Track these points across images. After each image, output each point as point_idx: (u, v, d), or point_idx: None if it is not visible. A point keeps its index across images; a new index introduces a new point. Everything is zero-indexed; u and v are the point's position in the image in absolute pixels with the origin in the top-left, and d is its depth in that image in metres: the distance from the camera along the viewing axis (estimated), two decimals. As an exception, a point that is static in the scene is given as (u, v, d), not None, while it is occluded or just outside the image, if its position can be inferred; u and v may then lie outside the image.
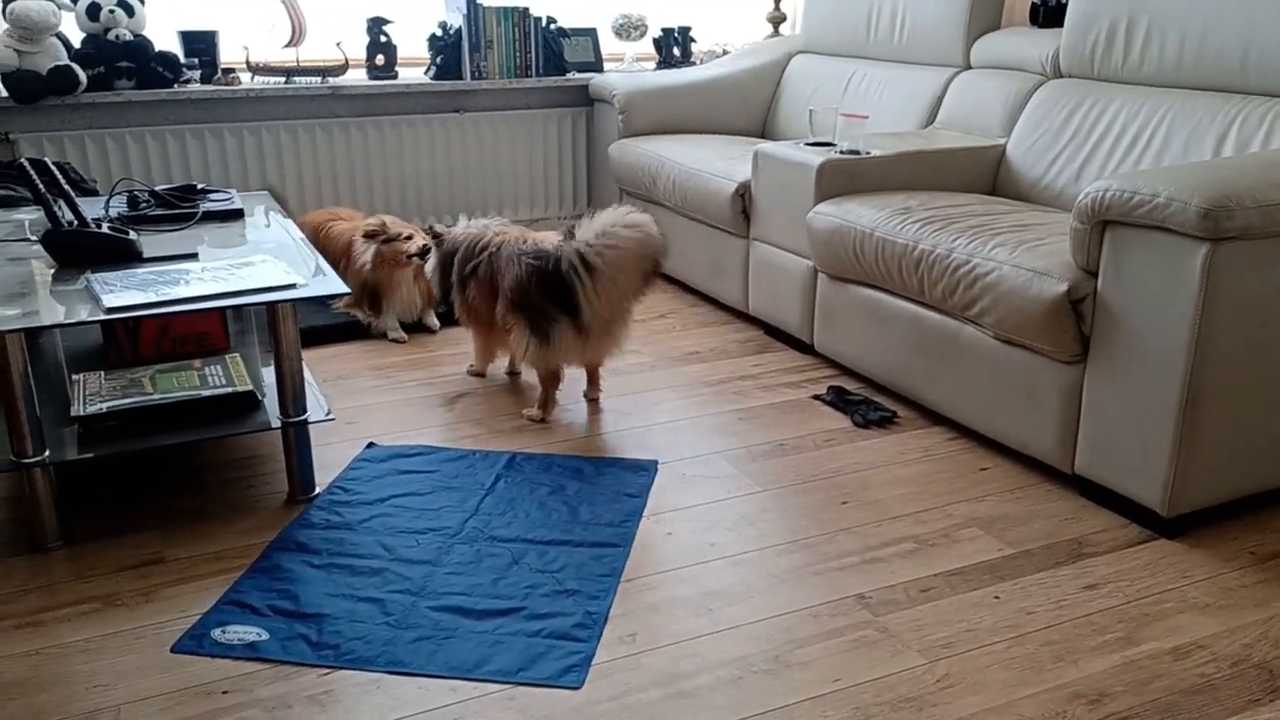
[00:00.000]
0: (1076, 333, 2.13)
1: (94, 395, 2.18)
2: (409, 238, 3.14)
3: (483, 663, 1.66)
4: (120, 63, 3.54)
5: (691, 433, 2.54)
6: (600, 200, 4.27)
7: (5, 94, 3.40)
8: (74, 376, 2.30)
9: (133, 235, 2.25)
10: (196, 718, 1.55)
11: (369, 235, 3.16)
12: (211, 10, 3.92)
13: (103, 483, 2.28)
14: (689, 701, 1.59)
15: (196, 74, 3.74)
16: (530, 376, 2.83)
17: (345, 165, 3.94)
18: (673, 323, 3.40)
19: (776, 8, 4.51)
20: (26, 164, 2.22)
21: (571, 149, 4.33)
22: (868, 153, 2.90)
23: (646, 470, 2.34)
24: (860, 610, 1.82)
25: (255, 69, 3.84)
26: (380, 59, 3.98)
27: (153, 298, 1.95)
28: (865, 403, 2.69)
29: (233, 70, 3.79)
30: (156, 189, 2.70)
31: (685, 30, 4.54)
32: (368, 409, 2.67)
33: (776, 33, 4.53)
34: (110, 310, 1.90)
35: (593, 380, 2.74)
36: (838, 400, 2.71)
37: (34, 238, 2.40)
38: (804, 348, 3.09)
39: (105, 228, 2.24)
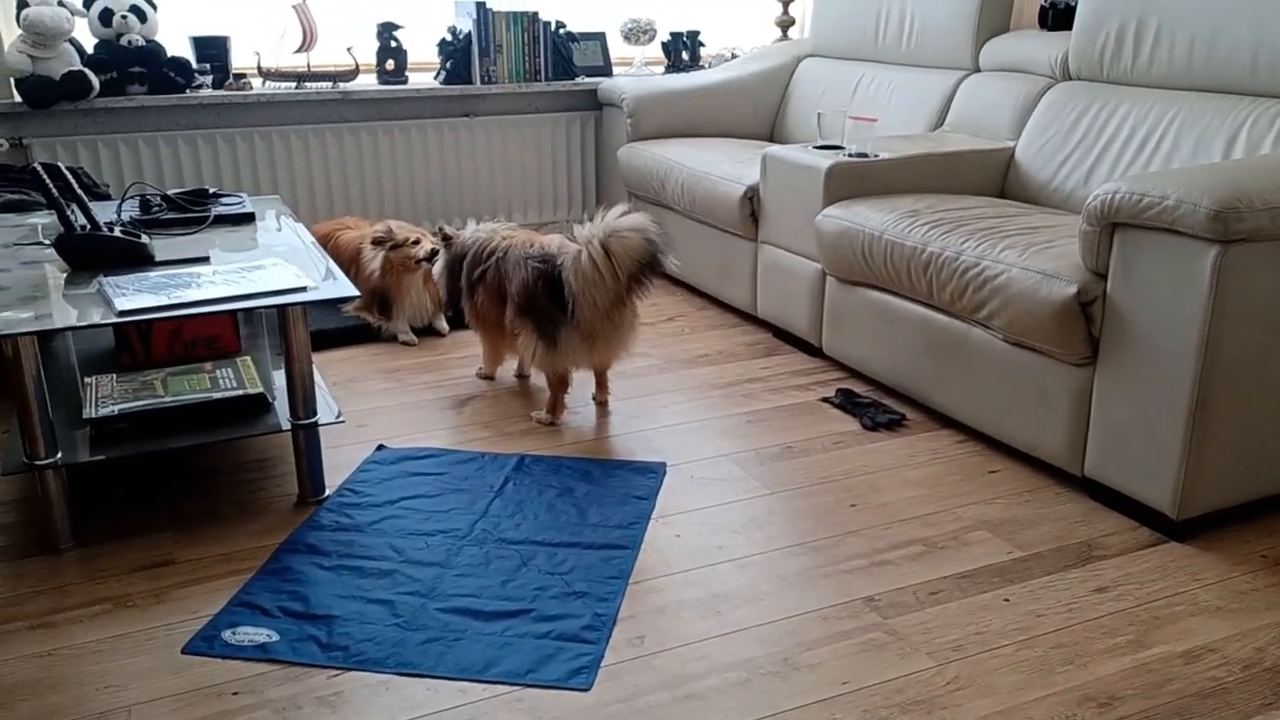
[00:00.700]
0: (1086, 335, 2.12)
1: (106, 398, 2.19)
2: (416, 242, 3.15)
3: (492, 664, 1.67)
4: (133, 68, 3.57)
5: (700, 435, 2.55)
6: (609, 204, 4.26)
7: (19, 99, 3.42)
8: (86, 379, 2.32)
9: (145, 239, 2.26)
10: (207, 719, 1.56)
11: (377, 242, 3.18)
12: (223, 16, 3.94)
13: (114, 485, 2.29)
14: (698, 704, 1.59)
15: (208, 79, 3.76)
16: (539, 379, 2.83)
17: (356, 169, 3.96)
18: (681, 325, 3.40)
19: (785, 11, 4.51)
20: (40, 168, 2.23)
21: (580, 153, 4.34)
22: (876, 156, 2.90)
23: (655, 473, 2.34)
24: (869, 613, 1.82)
25: (266, 74, 3.86)
26: (390, 64, 3.99)
27: (164, 301, 1.96)
28: (874, 405, 2.68)
29: (244, 75, 3.81)
30: (168, 193, 2.71)
31: (694, 34, 4.55)
32: (377, 412, 2.68)
33: (785, 36, 4.53)
34: (122, 313, 1.92)
35: (601, 383, 2.75)
36: (846, 403, 2.71)
37: (47, 242, 2.41)
38: (812, 350, 3.09)
39: (117, 231, 2.25)
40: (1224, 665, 1.68)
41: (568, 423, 2.63)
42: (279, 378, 2.41)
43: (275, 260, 2.26)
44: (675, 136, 3.96)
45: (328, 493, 2.23)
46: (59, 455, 1.98)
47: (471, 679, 1.64)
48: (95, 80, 3.46)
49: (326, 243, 3.38)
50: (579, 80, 4.23)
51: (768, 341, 3.24)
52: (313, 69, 3.90)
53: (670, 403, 2.75)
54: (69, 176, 2.37)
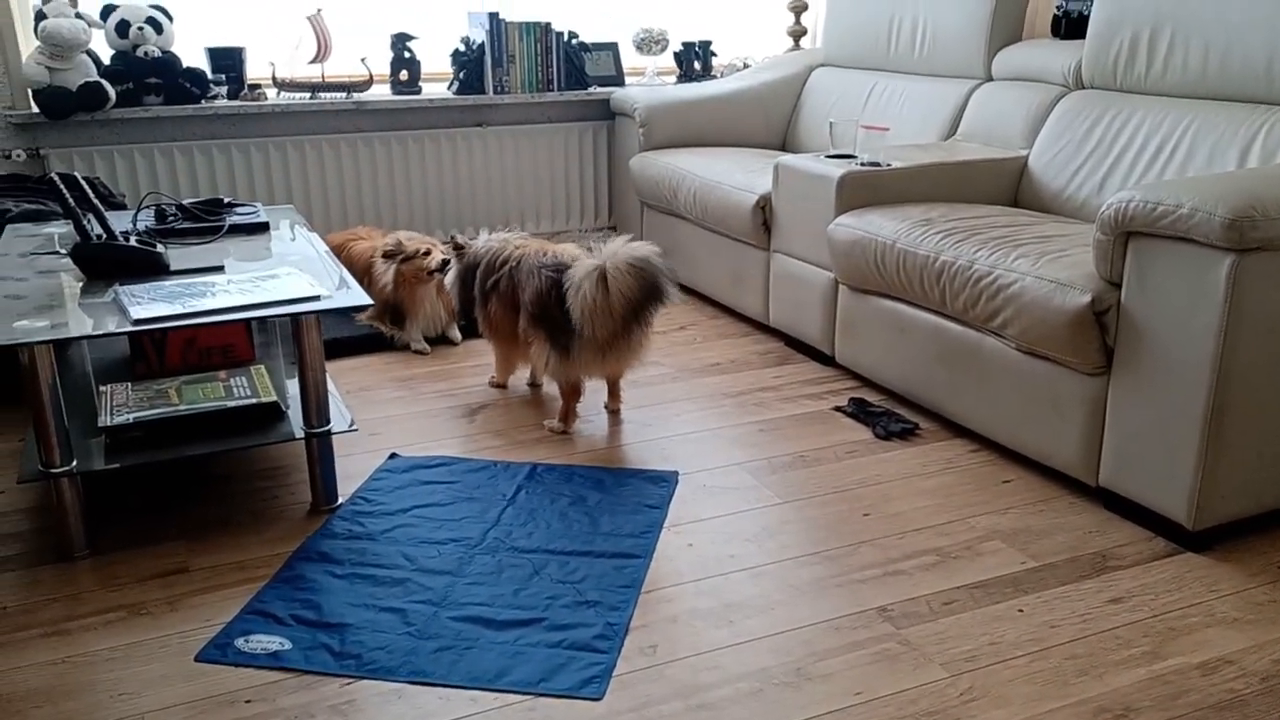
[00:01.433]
0: (1100, 344, 2.11)
1: (121, 406, 2.21)
2: (427, 253, 3.16)
3: (504, 673, 1.67)
4: (149, 79, 3.60)
5: (712, 444, 2.54)
6: (621, 213, 4.29)
7: (36, 110, 3.45)
8: (101, 388, 2.33)
9: (160, 248, 2.28)
10: (220, 726, 1.56)
11: (388, 255, 3.19)
12: (239, 27, 3.97)
13: (129, 493, 2.31)
14: (710, 714, 1.58)
15: (223, 90, 3.78)
16: (551, 388, 2.84)
17: (369, 179, 3.97)
18: (693, 334, 3.40)
19: (797, 21, 4.52)
20: (56, 178, 2.25)
21: (593, 162, 4.35)
22: (888, 165, 2.90)
23: (667, 481, 2.34)
24: (882, 623, 1.81)
25: (281, 85, 3.88)
26: (404, 74, 4.01)
27: (179, 309, 1.98)
28: (886, 414, 2.68)
29: (259, 86, 3.84)
30: (183, 203, 2.73)
31: (706, 44, 4.56)
32: (390, 420, 2.69)
33: (797, 46, 4.54)
34: (137, 322, 1.93)
35: (613, 392, 2.75)
36: (859, 412, 2.71)
37: (63, 251, 2.43)
38: (825, 359, 3.08)
39: (133, 241, 2.27)
40: (1241, 677, 1.66)
41: (580, 431, 2.63)
42: (292, 386, 2.42)
43: (289, 269, 2.27)
44: (687, 146, 3.97)
45: (340, 501, 2.24)
46: (74, 463, 1.99)
47: (483, 688, 1.64)
48: (112, 91, 3.49)
49: (339, 253, 3.39)
50: (591, 90, 4.24)
51: (780, 350, 3.24)
52: (327, 79, 3.93)
53: (682, 411, 2.75)
54: (85, 186, 2.39)
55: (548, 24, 4.08)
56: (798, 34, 4.53)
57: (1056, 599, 1.88)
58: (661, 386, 2.93)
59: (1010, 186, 3.07)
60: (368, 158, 3.95)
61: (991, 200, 3.03)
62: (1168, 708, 1.59)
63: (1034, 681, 1.66)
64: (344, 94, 3.91)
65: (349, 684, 1.65)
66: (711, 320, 3.56)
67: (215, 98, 3.75)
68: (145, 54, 3.57)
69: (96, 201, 2.34)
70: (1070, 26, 3.25)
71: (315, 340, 2.10)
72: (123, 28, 3.54)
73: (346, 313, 3.30)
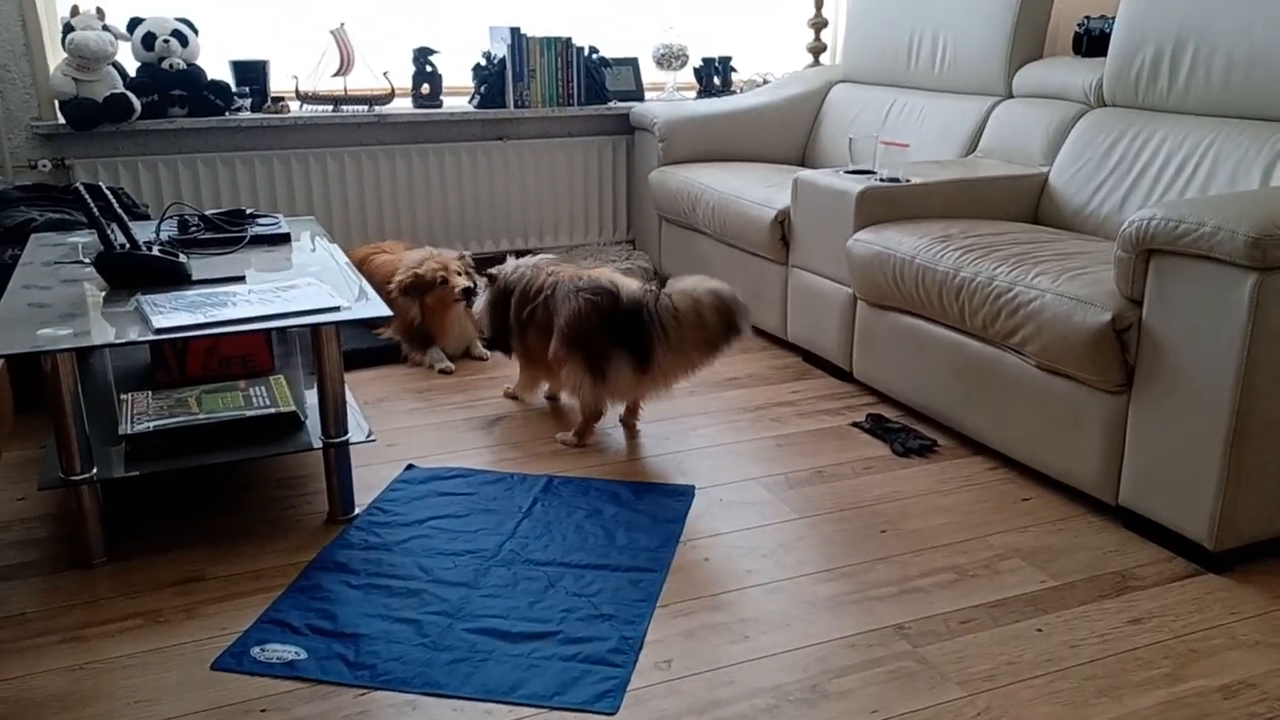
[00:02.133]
0: (1121, 362, 2.10)
1: (141, 414, 2.22)
2: (444, 281, 3.09)
3: (518, 686, 1.66)
4: (174, 91, 3.64)
5: (729, 459, 2.54)
6: (640, 227, 4.29)
7: (63, 120, 3.49)
8: (122, 396, 2.35)
9: (182, 258, 2.30)
10: (235, 734, 1.56)
11: (408, 291, 3.11)
12: (263, 40, 4.01)
13: (148, 500, 2.32)
14: (724, 729, 1.58)
15: (247, 102, 3.82)
16: (571, 401, 2.83)
17: (390, 191, 4.00)
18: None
19: (817, 37, 4.53)
20: (82, 188, 2.28)
21: (612, 176, 4.37)
22: (908, 181, 2.90)
23: (684, 495, 2.33)
24: (899, 640, 1.80)
25: (304, 98, 3.91)
26: (426, 88, 4.04)
27: (200, 319, 1.99)
28: (905, 431, 2.66)
29: (282, 99, 3.87)
30: (206, 213, 2.75)
31: (726, 60, 4.57)
32: (407, 431, 2.70)
33: (817, 62, 4.54)
34: (159, 331, 1.94)
35: (631, 407, 2.74)
36: (877, 428, 2.69)
37: (87, 260, 2.46)
38: (843, 375, 3.07)
39: (156, 251, 2.29)
40: (1264, 701, 1.64)
41: (596, 444, 2.63)
42: (311, 396, 2.43)
43: (309, 280, 2.29)
44: (706, 161, 3.98)
45: (357, 511, 2.24)
46: (94, 471, 2.01)
47: (498, 700, 1.64)
48: (137, 103, 3.52)
49: (362, 267, 3.39)
50: (611, 105, 4.26)
51: (797, 365, 3.23)
52: (349, 93, 3.96)
53: (699, 426, 2.75)
54: (110, 196, 2.42)
55: (569, 39, 4.11)
56: (817, 50, 4.53)
57: (1076, 619, 1.87)
58: (678, 401, 2.92)
59: (1030, 203, 3.06)
60: (388, 171, 3.98)
61: (1011, 217, 3.02)
62: (1189, 730, 1.57)
63: (1053, 702, 1.64)
64: (366, 107, 3.94)
65: (363, 694, 1.65)
66: (729, 335, 3.55)
67: (239, 110, 3.79)
68: (170, 66, 3.61)
69: (120, 211, 2.36)
70: (1091, 44, 3.24)
71: (334, 351, 2.11)
72: (149, 40, 3.58)
73: (366, 324, 3.32)
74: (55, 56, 3.58)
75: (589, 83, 4.20)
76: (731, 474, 2.45)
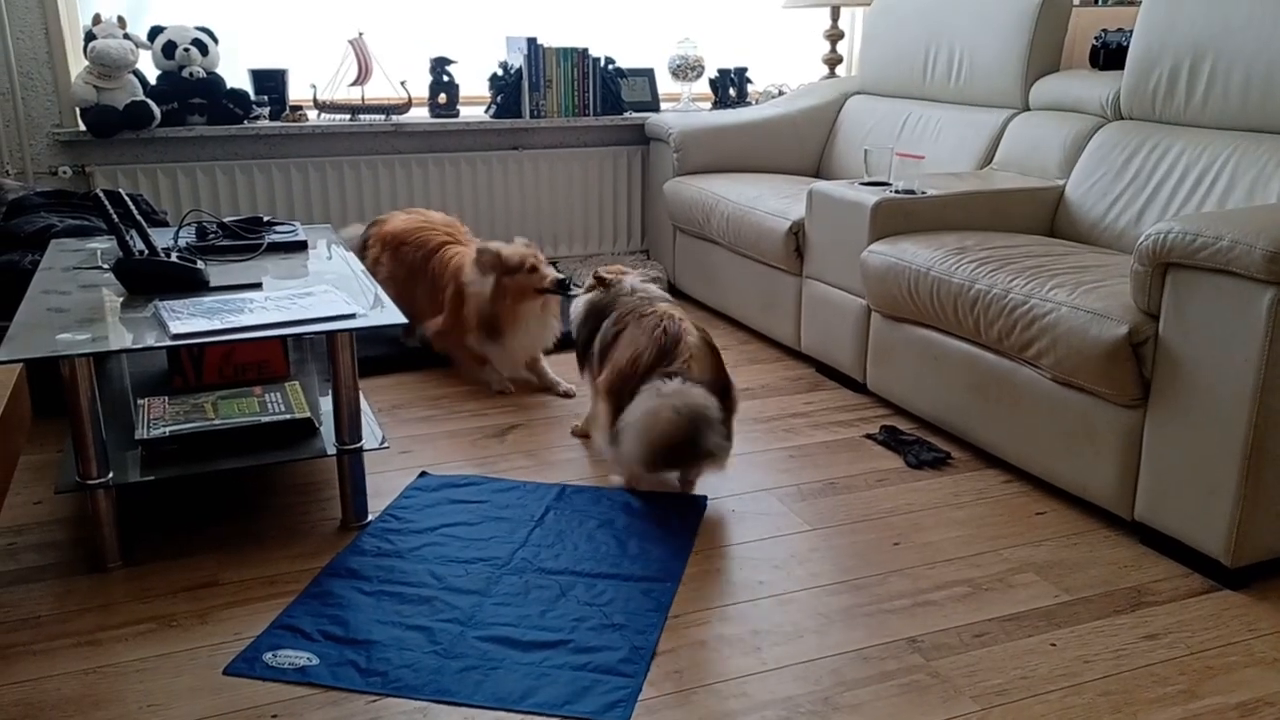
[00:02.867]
0: (1137, 376, 2.09)
1: (157, 419, 2.24)
2: (533, 269, 2.85)
3: (529, 694, 1.66)
4: (193, 99, 3.67)
5: (741, 469, 2.53)
6: (654, 237, 4.30)
7: (84, 128, 3.53)
8: (139, 401, 2.36)
9: (200, 265, 2.31)
10: (246, 740, 1.57)
11: (487, 265, 2.83)
12: (282, 50, 4.04)
13: (163, 505, 2.33)
14: (735, 741, 1.57)
15: (266, 111, 3.85)
16: (583, 406, 2.84)
17: (406, 200, 4.02)
18: (724, 359, 3.39)
19: (832, 49, 4.53)
20: (101, 195, 2.30)
21: (627, 186, 4.38)
22: (923, 192, 2.89)
23: (696, 506, 2.33)
24: (912, 654, 1.79)
25: (322, 106, 3.94)
26: (443, 98, 4.06)
27: (217, 325, 2.00)
28: (918, 443, 2.65)
29: (300, 108, 3.90)
30: (224, 221, 2.77)
31: (741, 71, 4.58)
32: (421, 438, 2.70)
33: (832, 74, 4.55)
34: (176, 336, 1.96)
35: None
36: (890, 440, 2.69)
37: (106, 266, 2.48)
38: (856, 386, 3.07)
39: (174, 257, 2.30)
40: (1280, 719, 1.63)
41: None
42: (326, 403, 2.44)
43: (325, 287, 2.30)
44: (721, 171, 3.98)
45: (370, 518, 2.25)
46: (110, 475, 2.02)
47: (508, 709, 1.63)
48: (157, 110, 3.56)
49: (402, 244, 3.12)
50: (627, 115, 4.27)
51: (811, 377, 3.22)
52: (367, 102, 3.99)
53: (712, 436, 2.74)
54: (129, 203, 2.43)
55: (585, 49, 4.12)
56: (833, 62, 4.54)
57: (1090, 633, 1.85)
58: (691, 411, 2.92)
59: (1046, 216, 3.05)
60: (405, 179, 4.00)
61: (1027, 230, 3.02)
62: (1204, 748, 1.56)
63: (1066, 717, 1.63)
64: (383, 116, 3.96)
65: (374, 701, 1.66)
66: (742, 345, 3.55)
67: (257, 118, 3.81)
68: (190, 75, 3.64)
69: (139, 218, 2.38)
70: (1109, 57, 3.24)
71: (349, 357, 2.12)
72: (169, 49, 3.61)
73: (385, 331, 3.32)
74: (77, 64, 3.62)
75: (605, 93, 4.22)
76: (744, 485, 2.45)
